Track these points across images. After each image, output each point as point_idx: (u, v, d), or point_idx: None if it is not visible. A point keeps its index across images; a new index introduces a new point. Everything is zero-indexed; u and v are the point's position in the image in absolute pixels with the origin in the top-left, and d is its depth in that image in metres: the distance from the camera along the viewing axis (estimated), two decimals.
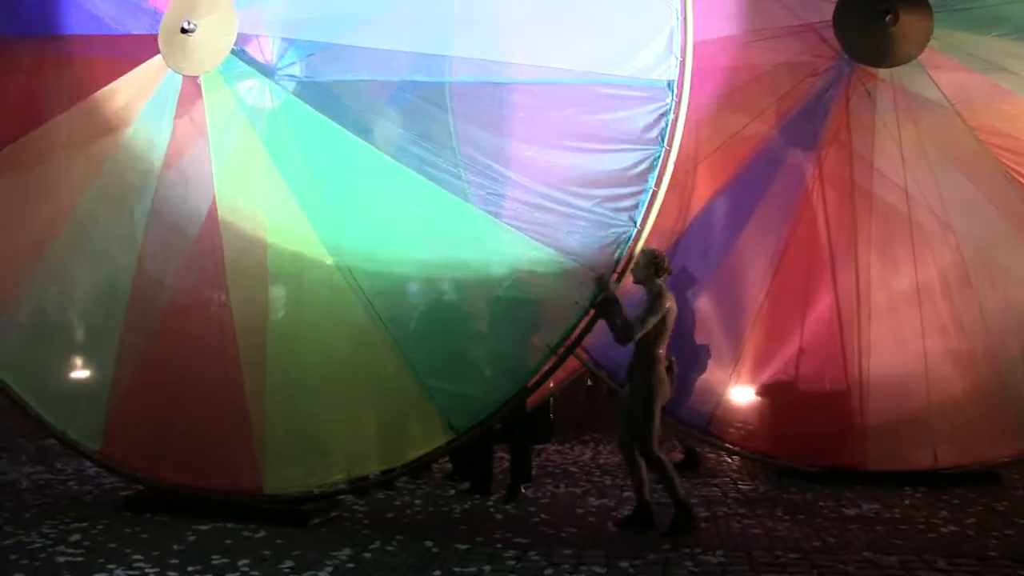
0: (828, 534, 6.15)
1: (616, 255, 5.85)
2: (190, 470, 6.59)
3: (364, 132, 6.33)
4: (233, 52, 6.37)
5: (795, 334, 8.03)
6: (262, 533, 5.97)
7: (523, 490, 7.26)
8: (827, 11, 7.75)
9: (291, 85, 6.45)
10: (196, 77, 6.48)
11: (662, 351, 6.15)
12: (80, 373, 7.19)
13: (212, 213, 6.50)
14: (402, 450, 6.42)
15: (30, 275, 7.12)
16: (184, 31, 6.37)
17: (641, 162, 5.81)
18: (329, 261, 6.35)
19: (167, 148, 6.64)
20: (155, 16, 6.64)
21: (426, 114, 6.29)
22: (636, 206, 5.80)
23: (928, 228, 7.77)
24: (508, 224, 6.05)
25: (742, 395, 8.20)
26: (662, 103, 5.77)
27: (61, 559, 5.41)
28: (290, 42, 6.50)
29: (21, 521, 6.29)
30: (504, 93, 6.24)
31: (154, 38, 6.55)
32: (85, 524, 6.23)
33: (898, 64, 7.70)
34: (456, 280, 6.36)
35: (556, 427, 9.95)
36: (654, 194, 5.78)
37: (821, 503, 7.12)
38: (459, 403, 6.17)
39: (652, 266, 6.16)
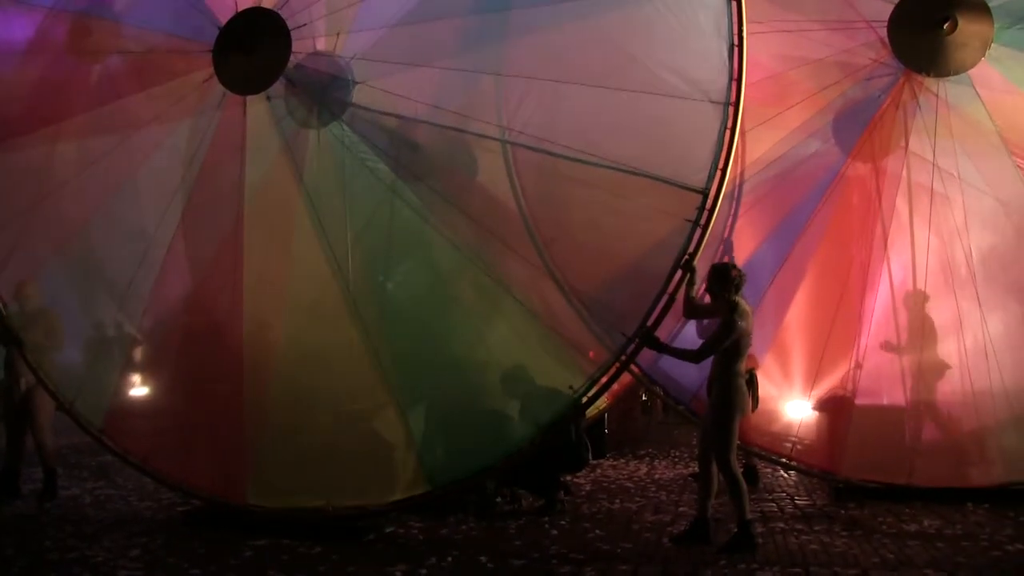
0: (887, 551, 6.00)
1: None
2: (180, 465, 6.86)
3: (401, 172, 6.49)
4: (285, 75, 6.50)
5: (851, 349, 7.88)
6: (318, 549, 6.01)
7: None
8: (884, 11, 7.57)
9: (340, 109, 6.53)
10: (243, 96, 6.64)
11: (742, 365, 6.07)
12: (94, 352, 7.43)
13: (238, 230, 6.66)
14: (381, 492, 6.44)
15: (64, 252, 7.40)
16: (239, 50, 6.50)
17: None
18: (340, 298, 6.46)
19: (204, 159, 6.81)
20: (212, 22, 6.77)
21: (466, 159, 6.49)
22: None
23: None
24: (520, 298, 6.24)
25: (797, 409, 8.07)
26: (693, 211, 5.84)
27: (122, 573, 5.51)
28: (345, 68, 6.57)
29: (84, 535, 6.42)
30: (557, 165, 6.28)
31: (208, 48, 6.71)
32: (144, 539, 6.34)
33: (948, 75, 7.52)
34: (468, 337, 6.48)
35: (611, 442, 9.88)
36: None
37: (880, 519, 6.96)
38: (444, 459, 6.35)
39: (725, 280, 6.08)
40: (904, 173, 7.61)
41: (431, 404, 6.50)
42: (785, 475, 8.76)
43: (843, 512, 7.23)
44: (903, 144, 7.58)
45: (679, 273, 5.87)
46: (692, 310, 6.31)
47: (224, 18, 6.73)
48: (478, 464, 6.26)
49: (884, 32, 7.60)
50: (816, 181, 7.82)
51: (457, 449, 6.42)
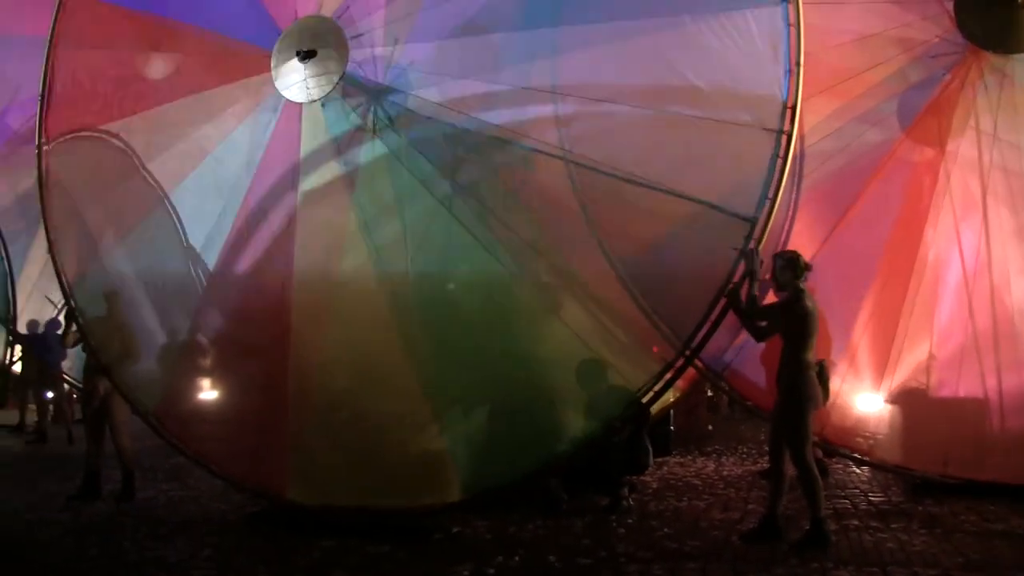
0: (971, 550, 5.79)
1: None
2: (223, 455, 7.09)
3: (457, 174, 6.58)
4: (343, 78, 6.57)
5: (924, 340, 7.64)
6: (385, 549, 6.04)
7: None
8: None
9: (395, 116, 6.58)
10: (299, 103, 6.74)
11: (811, 355, 5.92)
12: (148, 344, 7.65)
13: (290, 233, 6.80)
14: (416, 495, 6.48)
15: (126, 242, 7.64)
16: (298, 57, 6.58)
17: None
18: (385, 303, 6.58)
19: (260, 162, 6.96)
20: (272, 27, 6.87)
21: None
22: None
23: None
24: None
25: (868, 403, 7.85)
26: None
27: (195, 573, 5.61)
28: (401, 76, 6.63)
29: (159, 536, 6.56)
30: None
31: (267, 53, 6.82)
32: (216, 539, 6.45)
33: (1019, 52, 7.23)
34: (529, 337, 6.50)
35: (677, 439, 9.76)
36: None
37: (962, 517, 6.73)
38: (478, 467, 6.39)
39: (791, 268, 5.96)
40: (976, 155, 7.33)
41: (486, 407, 6.52)
42: (858, 471, 8.54)
43: (921, 509, 7.01)
44: (972, 124, 7.31)
45: (741, 280, 5.83)
46: (758, 331, 6.10)
47: (284, 24, 6.83)
48: (534, 462, 6.25)
49: (951, 4, 7.32)
50: (875, 167, 7.59)
51: (510, 450, 6.39)
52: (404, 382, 6.54)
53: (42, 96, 7.75)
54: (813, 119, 7.34)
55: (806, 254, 6.20)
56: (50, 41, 7.72)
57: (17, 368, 12.41)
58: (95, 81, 7.71)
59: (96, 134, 7.66)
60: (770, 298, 6.30)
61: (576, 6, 6.44)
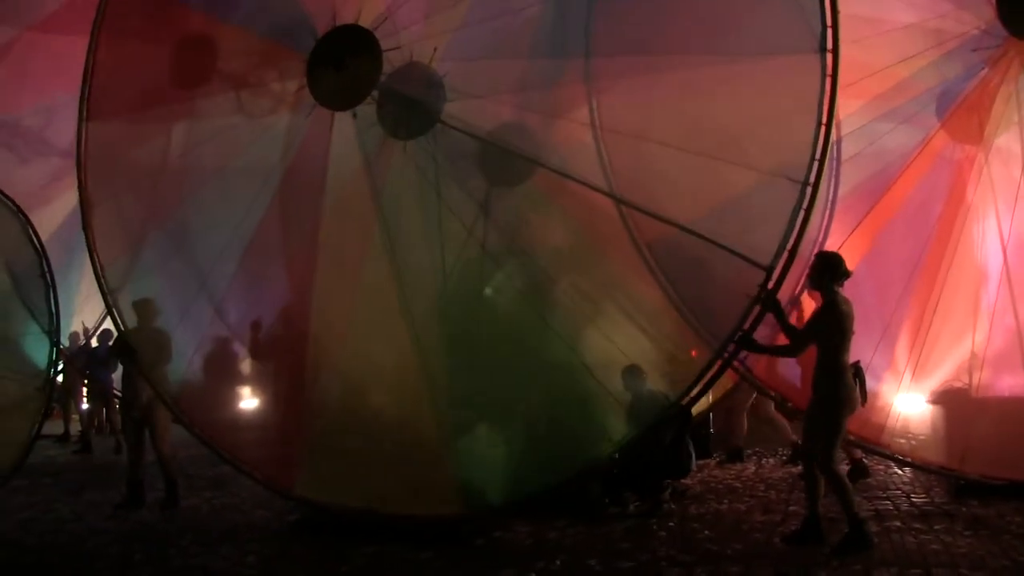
0: (1018, 553, 5.67)
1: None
2: (239, 443, 7.32)
3: (492, 179, 6.68)
4: (377, 89, 6.66)
5: (966, 339, 7.52)
6: (426, 555, 6.07)
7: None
8: None
9: (428, 125, 6.63)
10: (332, 111, 6.85)
11: (846, 358, 5.86)
12: (174, 324, 7.81)
13: (315, 236, 6.96)
14: (420, 503, 6.50)
15: (163, 229, 7.77)
16: (333, 66, 6.66)
17: None
18: (403, 324, 6.62)
19: (290, 165, 7.09)
20: (310, 32, 6.95)
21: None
22: None
23: None
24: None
25: (909, 403, 7.75)
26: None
27: None
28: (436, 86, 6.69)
29: (204, 543, 6.66)
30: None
31: (303, 58, 6.94)
32: (259, 546, 6.54)
33: None
34: (566, 342, 6.46)
35: (717, 442, 9.70)
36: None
37: (1008, 519, 6.58)
38: (518, 472, 6.38)
39: (829, 272, 5.89)
40: (1019, 150, 7.19)
41: (525, 413, 6.55)
42: (900, 472, 8.43)
43: (965, 511, 6.88)
44: (1016, 120, 7.18)
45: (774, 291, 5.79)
46: (797, 339, 6.01)
47: (322, 30, 6.92)
48: (576, 466, 6.27)
49: None
50: (909, 166, 7.43)
51: (552, 455, 6.40)
52: (426, 388, 6.61)
53: (85, 77, 7.92)
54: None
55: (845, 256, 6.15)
56: (96, 23, 7.89)
57: (60, 379, 12.63)
58: (137, 68, 7.86)
59: (136, 120, 7.85)
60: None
61: (608, 38, 6.49)
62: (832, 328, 5.81)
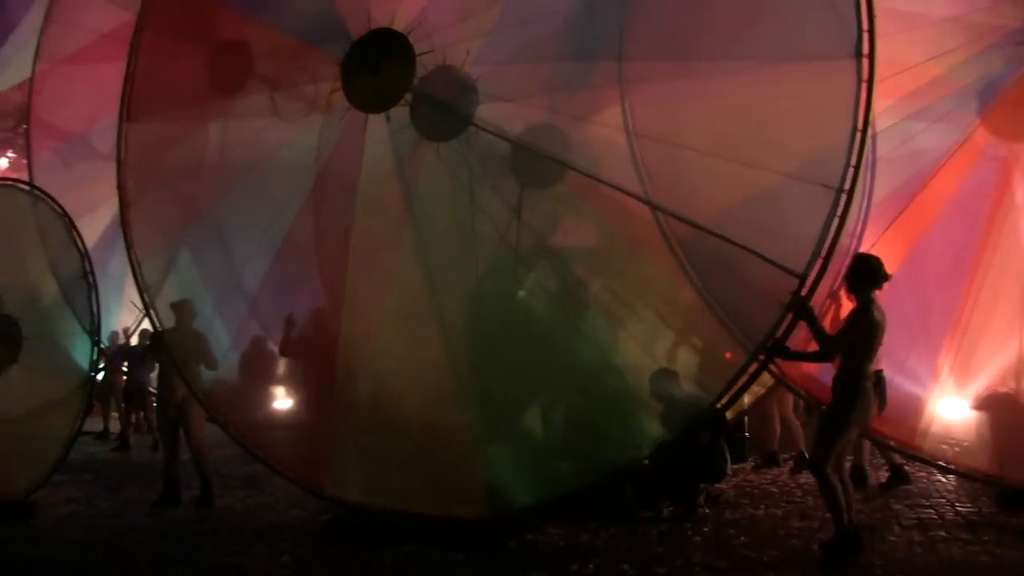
0: None
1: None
2: (270, 443, 7.40)
3: (523, 181, 6.67)
4: (410, 92, 6.66)
5: (1011, 343, 7.32)
6: (459, 557, 6.05)
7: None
8: None
9: (461, 127, 6.62)
10: (366, 114, 6.85)
11: (870, 367, 5.74)
12: (208, 323, 7.92)
13: (347, 238, 6.96)
14: (447, 504, 6.46)
15: (199, 227, 7.85)
16: (367, 69, 6.68)
17: None
18: (435, 326, 6.61)
19: (324, 166, 7.11)
20: (345, 35, 6.96)
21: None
22: None
23: None
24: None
25: (952, 408, 7.56)
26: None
27: None
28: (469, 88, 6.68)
29: (238, 542, 6.71)
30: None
31: (337, 60, 6.94)
32: (293, 545, 6.56)
33: None
34: (598, 344, 6.47)
35: (752, 446, 9.56)
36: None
37: None
38: (551, 474, 6.37)
39: (867, 276, 5.76)
40: None
41: (560, 415, 6.55)
42: (943, 479, 8.24)
43: (1015, 521, 6.70)
44: None
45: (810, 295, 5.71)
46: (829, 345, 5.89)
47: (357, 33, 6.92)
48: (610, 468, 6.24)
49: None
50: (947, 166, 7.22)
51: (585, 457, 6.36)
52: (456, 390, 6.61)
53: (126, 79, 8.01)
54: None
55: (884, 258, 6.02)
56: (137, 26, 7.99)
57: (100, 377, 12.82)
58: (175, 69, 7.95)
59: (173, 120, 7.91)
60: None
61: (640, 41, 6.43)
62: (862, 336, 5.68)
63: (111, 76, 8.46)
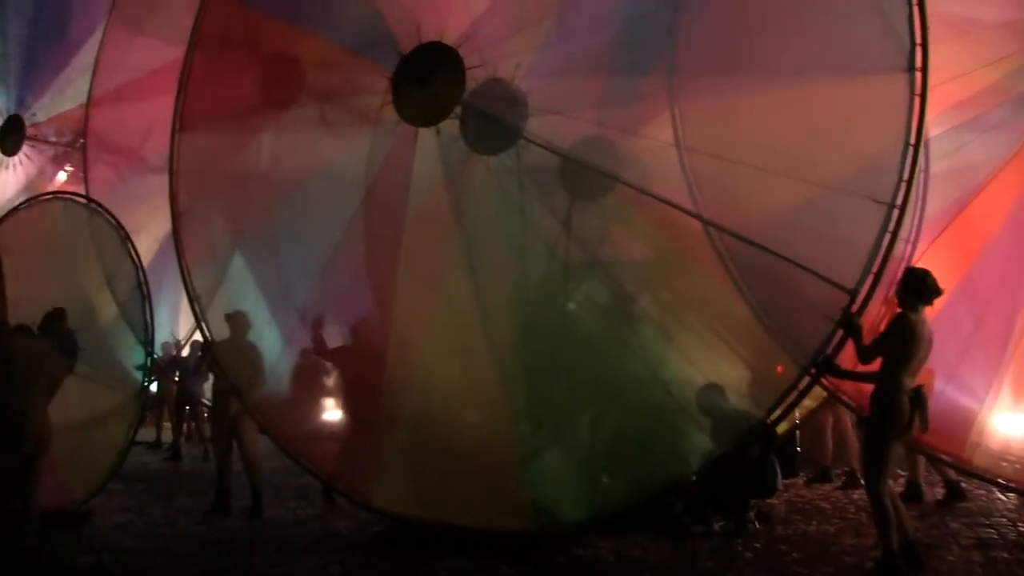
0: None
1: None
2: (318, 454, 7.45)
3: (573, 194, 6.69)
4: (460, 106, 6.71)
5: None
6: (508, 569, 6.04)
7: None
8: None
9: (512, 140, 6.64)
10: (415, 127, 6.91)
11: (910, 380, 5.60)
12: (260, 334, 7.99)
13: (396, 251, 7.01)
14: (495, 517, 6.43)
15: (246, 236, 7.96)
16: (416, 82, 6.74)
17: None
18: (483, 339, 6.64)
19: (374, 179, 7.17)
20: (395, 49, 7.03)
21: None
22: None
23: None
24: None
25: (1012, 425, 7.36)
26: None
27: None
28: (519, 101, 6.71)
29: (288, 552, 6.76)
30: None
31: (388, 74, 7.01)
32: (342, 556, 6.59)
33: None
34: (649, 357, 6.44)
35: (804, 461, 9.42)
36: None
37: None
38: (562, 496, 6.33)
39: (916, 291, 5.60)
40: None
41: (609, 429, 6.49)
42: (1003, 497, 8.03)
43: None
44: None
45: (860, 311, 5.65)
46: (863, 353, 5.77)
47: (407, 47, 6.98)
48: (660, 483, 6.22)
49: None
50: (1004, 178, 7.05)
51: (635, 471, 6.35)
52: (504, 403, 6.61)
53: (180, 90, 8.17)
54: None
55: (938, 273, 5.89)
56: (193, 36, 8.15)
57: (154, 388, 13.04)
58: (227, 80, 8.08)
59: (226, 131, 8.05)
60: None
61: (690, 54, 6.43)
62: (902, 346, 5.53)
63: (163, 107, 8.65)
